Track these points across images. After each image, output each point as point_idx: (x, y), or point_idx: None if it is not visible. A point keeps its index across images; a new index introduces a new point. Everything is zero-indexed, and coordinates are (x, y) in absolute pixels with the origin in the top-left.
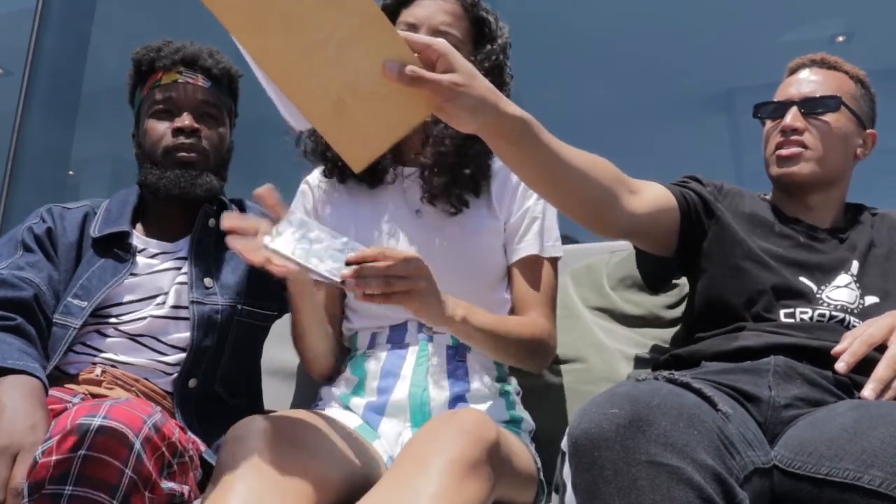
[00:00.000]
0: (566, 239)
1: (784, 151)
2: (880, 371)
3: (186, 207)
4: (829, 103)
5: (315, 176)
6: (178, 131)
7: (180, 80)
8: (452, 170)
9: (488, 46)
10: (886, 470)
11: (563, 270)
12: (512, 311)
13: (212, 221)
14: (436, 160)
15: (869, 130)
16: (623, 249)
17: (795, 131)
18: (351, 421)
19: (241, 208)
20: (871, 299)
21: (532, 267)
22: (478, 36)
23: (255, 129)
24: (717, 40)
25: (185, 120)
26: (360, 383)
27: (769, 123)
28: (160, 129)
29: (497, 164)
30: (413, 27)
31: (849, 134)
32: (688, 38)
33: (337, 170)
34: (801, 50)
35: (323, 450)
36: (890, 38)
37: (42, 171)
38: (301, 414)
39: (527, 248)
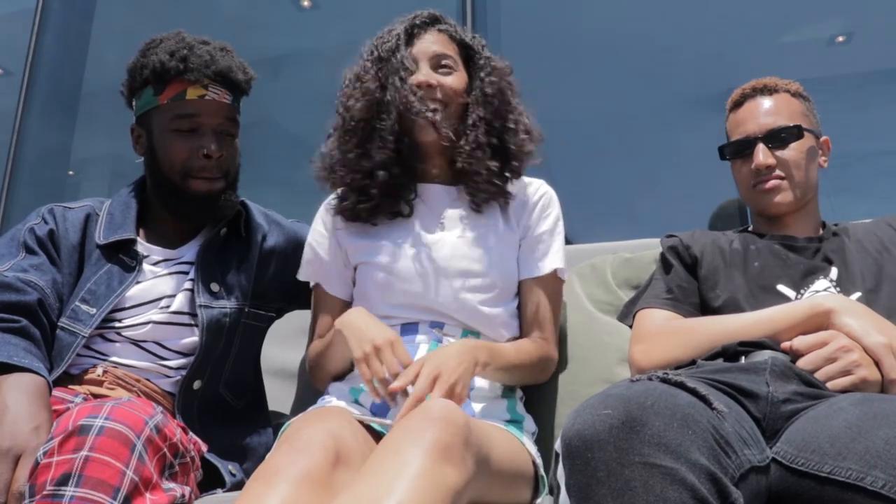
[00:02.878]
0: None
1: (765, 186)
2: (812, 357)
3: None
4: (792, 132)
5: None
6: (206, 157)
7: (207, 97)
8: (475, 179)
9: (481, 73)
10: (889, 472)
11: (566, 269)
12: (520, 327)
13: (223, 231)
14: (459, 175)
15: (823, 138)
16: (626, 250)
17: (770, 168)
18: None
19: (244, 209)
20: (854, 296)
21: (549, 284)
22: (467, 56)
23: (255, 129)
24: (717, 40)
25: (212, 145)
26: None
27: (738, 162)
28: (183, 150)
29: (513, 188)
30: (415, 61)
31: (814, 152)
32: (687, 38)
33: (351, 212)
34: (801, 50)
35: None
36: (890, 38)
37: (42, 171)
38: (345, 423)
39: (549, 265)
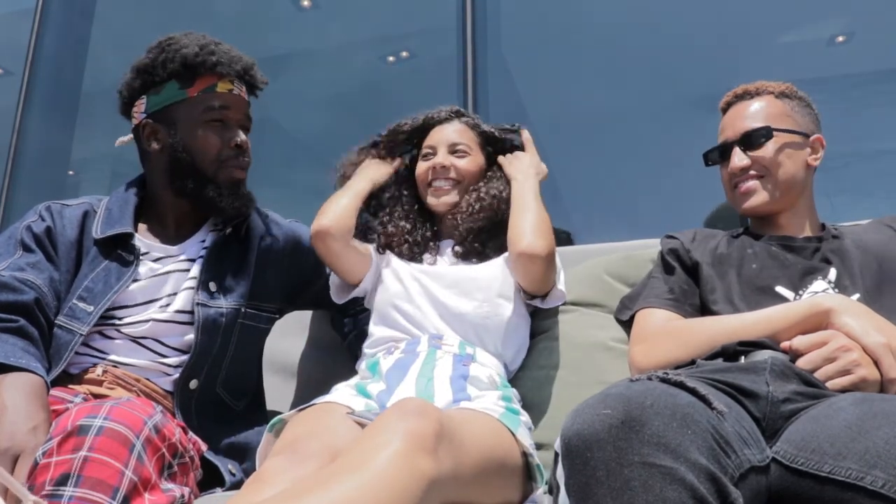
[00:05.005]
0: (563, 238)
1: (742, 188)
2: (812, 356)
3: (195, 210)
4: (762, 133)
5: None
6: (237, 147)
7: (234, 91)
8: (477, 238)
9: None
10: (889, 472)
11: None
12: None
13: (229, 230)
14: (467, 233)
15: (814, 136)
16: (626, 250)
17: (744, 170)
18: (360, 404)
19: None
20: (854, 297)
21: None
22: (487, 142)
23: (254, 129)
24: (717, 40)
25: (242, 137)
26: (376, 378)
27: (721, 167)
28: (217, 141)
29: None
30: (432, 148)
31: (792, 151)
32: (687, 38)
33: (385, 247)
34: (801, 50)
35: None
36: (890, 38)
37: (42, 171)
38: (341, 430)
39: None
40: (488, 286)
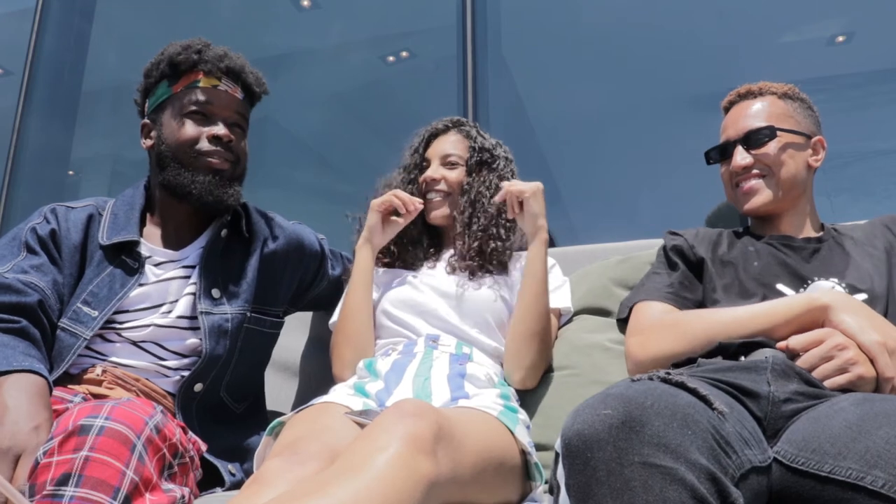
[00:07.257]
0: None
1: (744, 187)
2: (808, 357)
3: (198, 214)
4: (765, 132)
5: None
6: (215, 139)
7: (220, 87)
8: (479, 252)
9: (491, 168)
10: (889, 472)
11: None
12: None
13: (224, 232)
14: (469, 246)
15: (816, 138)
16: (626, 250)
17: (746, 168)
18: (358, 403)
19: (245, 209)
20: (859, 297)
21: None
22: (479, 155)
23: (255, 129)
24: (717, 40)
25: (222, 129)
26: (374, 377)
27: (723, 166)
28: (194, 131)
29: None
30: (428, 161)
31: (794, 151)
32: (687, 38)
33: (386, 266)
34: (801, 50)
35: None
36: (890, 38)
37: (42, 171)
38: (341, 431)
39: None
40: (485, 309)
